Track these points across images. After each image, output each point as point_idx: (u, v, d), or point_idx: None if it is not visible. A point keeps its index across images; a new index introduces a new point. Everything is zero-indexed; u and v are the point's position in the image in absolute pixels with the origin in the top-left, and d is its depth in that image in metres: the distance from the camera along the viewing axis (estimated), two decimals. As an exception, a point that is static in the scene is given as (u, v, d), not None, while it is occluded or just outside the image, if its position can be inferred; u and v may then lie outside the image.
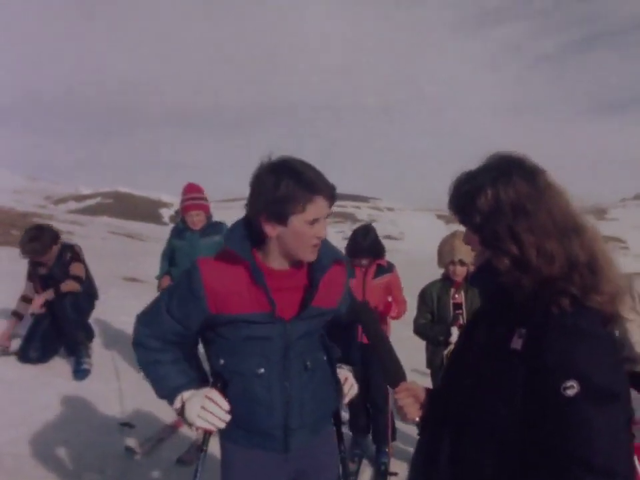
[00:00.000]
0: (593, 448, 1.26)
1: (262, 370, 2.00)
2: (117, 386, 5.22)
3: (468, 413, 1.49)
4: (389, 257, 4.87)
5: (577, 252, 1.41)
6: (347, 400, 2.29)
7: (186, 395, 2.00)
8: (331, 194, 1.92)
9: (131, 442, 4.18)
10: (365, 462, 4.67)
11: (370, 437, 4.81)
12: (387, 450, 4.58)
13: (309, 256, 1.97)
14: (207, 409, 1.94)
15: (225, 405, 1.96)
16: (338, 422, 2.34)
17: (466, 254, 3.85)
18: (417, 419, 1.74)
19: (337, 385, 2.24)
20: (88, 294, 5.63)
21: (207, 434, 2.08)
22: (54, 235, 5.41)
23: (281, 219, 1.88)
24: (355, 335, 2.58)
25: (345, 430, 4.79)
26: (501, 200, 1.44)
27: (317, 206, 1.88)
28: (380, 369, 1.91)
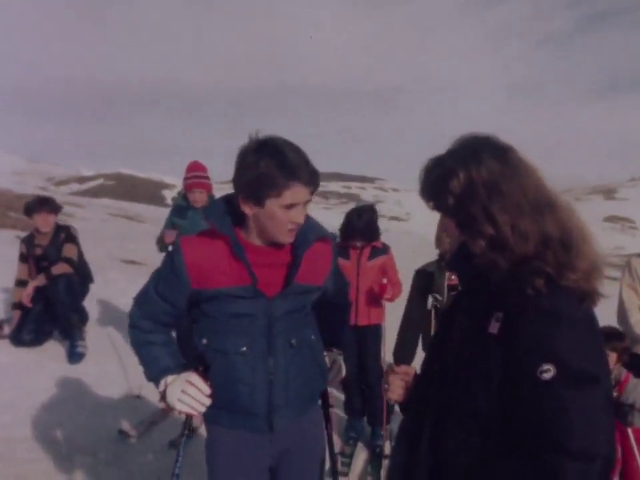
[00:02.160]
0: (570, 432, 1.26)
1: (244, 348, 2.02)
2: (112, 369, 5.25)
3: (448, 396, 1.49)
4: (394, 238, 4.84)
5: (549, 229, 1.41)
6: (333, 384, 2.31)
7: (169, 378, 2.04)
8: (311, 180, 1.91)
9: (125, 425, 4.22)
10: (360, 445, 4.70)
11: (365, 419, 4.84)
12: (382, 433, 4.59)
13: (284, 239, 1.98)
14: (188, 393, 1.97)
15: (206, 389, 1.99)
16: (326, 403, 2.35)
17: None
18: (395, 400, 1.78)
19: (324, 366, 2.25)
20: (82, 276, 5.65)
21: (189, 418, 2.11)
22: (55, 205, 5.54)
23: (258, 200, 1.89)
24: (345, 318, 2.58)
25: (340, 412, 4.83)
26: (473, 180, 1.43)
27: (294, 192, 1.88)
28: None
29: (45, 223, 5.44)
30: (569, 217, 1.46)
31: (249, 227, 2.00)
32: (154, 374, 2.10)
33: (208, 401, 1.99)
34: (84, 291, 5.75)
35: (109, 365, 5.34)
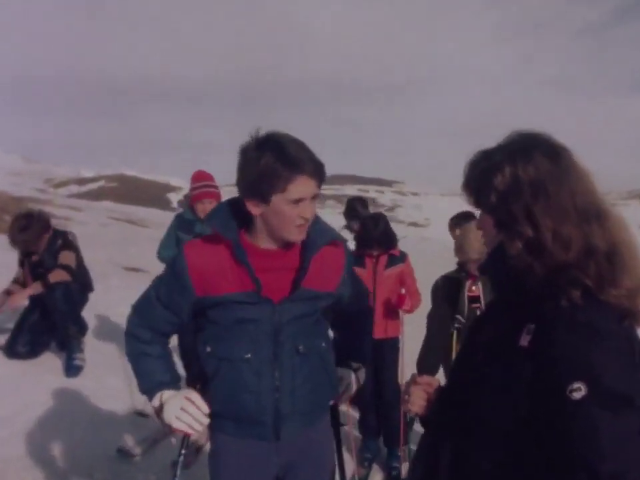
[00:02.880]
0: (602, 455, 1.24)
1: (249, 355, 2.05)
2: (111, 383, 5.26)
3: (473, 412, 1.48)
4: (412, 245, 4.84)
5: (596, 239, 1.39)
6: (341, 402, 2.31)
7: (166, 394, 2.07)
8: (316, 172, 1.93)
9: (125, 443, 4.22)
10: (375, 467, 4.67)
11: (381, 439, 4.81)
12: (399, 454, 4.57)
13: (294, 237, 2.00)
14: (187, 411, 1.99)
15: (205, 408, 2.01)
16: (336, 420, 2.36)
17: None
18: (414, 413, 1.76)
19: (334, 376, 2.26)
20: (81, 284, 5.66)
21: (186, 437, 2.12)
22: (44, 223, 5.45)
23: (263, 197, 1.92)
24: (366, 328, 2.57)
25: (354, 431, 4.80)
26: (519, 178, 1.43)
27: (300, 185, 1.90)
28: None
29: (41, 246, 5.41)
30: (618, 230, 1.44)
31: (256, 229, 2.03)
32: (148, 387, 2.14)
33: (207, 420, 2.03)
34: (83, 299, 5.76)
35: (109, 378, 5.35)
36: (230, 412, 2.09)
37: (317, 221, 2.08)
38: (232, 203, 2.10)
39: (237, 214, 2.05)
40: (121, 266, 11.73)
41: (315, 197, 1.97)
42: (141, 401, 4.79)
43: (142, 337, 2.17)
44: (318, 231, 2.09)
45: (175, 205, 69.60)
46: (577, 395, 1.26)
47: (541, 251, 1.40)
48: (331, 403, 2.32)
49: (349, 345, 2.42)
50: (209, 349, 2.10)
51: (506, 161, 1.45)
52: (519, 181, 1.42)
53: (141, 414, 4.71)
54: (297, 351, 2.09)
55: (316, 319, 2.18)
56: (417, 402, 1.75)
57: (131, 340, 2.20)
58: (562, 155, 1.46)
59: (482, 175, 1.50)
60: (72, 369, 5.39)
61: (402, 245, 4.82)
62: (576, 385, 1.27)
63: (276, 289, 2.05)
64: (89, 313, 6.02)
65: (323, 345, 2.20)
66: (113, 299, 7.45)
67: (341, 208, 5.83)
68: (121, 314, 7.03)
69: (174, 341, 3.67)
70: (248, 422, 2.09)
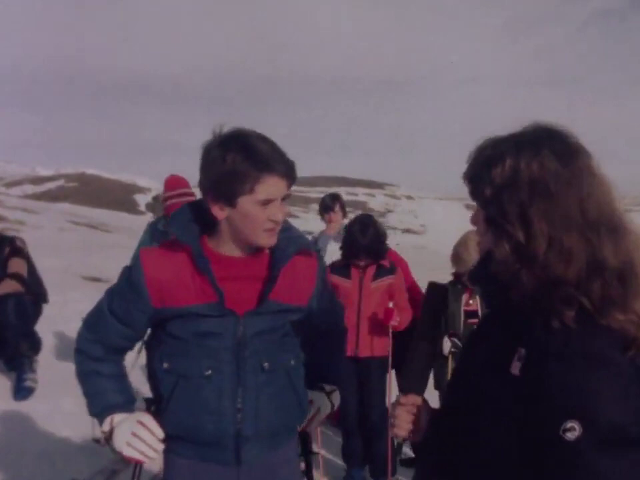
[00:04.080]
0: None
1: (209, 371, 2.05)
2: (66, 407, 5.19)
3: (465, 442, 1.47)
4: (406, 254, 4.86)
5: (605, 254, 1.33)
6: (311, 427, 2.32)
7: (117, 418, 2.07)
8: (286, 172, 1.95)
9: (79, 475, 4.18)
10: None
11: (367, 468, 4.81)
12: (387, 486, 4.57)
13: (264, 241, 2.01)
14: (138, 436, 1.99)
15: (159, 433, 2.01)
16: (306, 447, 2.36)
17: None
18: (401, 437, 1.76)
19: (304, 396, 2.26)
20: (34, 296, 5.61)
21: (138, 465, 2.12)
22: None
23: (228, 199, 1.93)
24: (338, 347, 2.58)
25: (337, 459, 4.80)
26: (519, 173, 1.38)
27: (269, 186, 1.91)
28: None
29: None
30: (637, 248, 1.39)
31: (221, 235, 2.04)
32: (97, 410, 2.14)
33: (161, 446, 2.02)
34: (36, 313, 5.70)
35: (64, 402, 5.25)
36: (187, 434, 2.08)
37: (288, 227, 2.10)
38: (194, 206, 2.10)
39: (199, 218, 2.05)
40: (80, 276, 11.64)
41: (285, 198, 1.99)
42: (97, 428, 4.75)
43: (93, 353, 2.16)
44: (288, 240, 2.10)
45: (142, 208, 69.18)
46: (571, 436, 1.22)
47: (532, 259, 1.35)
48: (300, 428, 2.32)
49: (321, 365, 2.40)
50: (165, 365, 2.09)
51: (510, 152, 1.41)
52: (518, 176, 1.38)
53: (99, 441, 4.64)
54: (262, 368, 2.09)
55: (284, 333, 2.17)
56: (402, 425, 1.74)
57: (80, 357, 2.19)
58: (576, 157, 1.40)
59: (482, 164, 1.47)
60: (22, 391, 5.32)
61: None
62: (569, 424, 1.23)
63: (241, 300, 2.05)
64: (42, 328, 5.92)
65: (292, 362, 2.19)
66: (70, 313, 7.31)
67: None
68: (79, 329, 7.00)
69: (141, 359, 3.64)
70: (207, 445, 2.09)
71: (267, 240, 2.02)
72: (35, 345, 5.67)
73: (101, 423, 2.11)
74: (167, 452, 2.15)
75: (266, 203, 1.92)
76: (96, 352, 2.16)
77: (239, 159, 1.88)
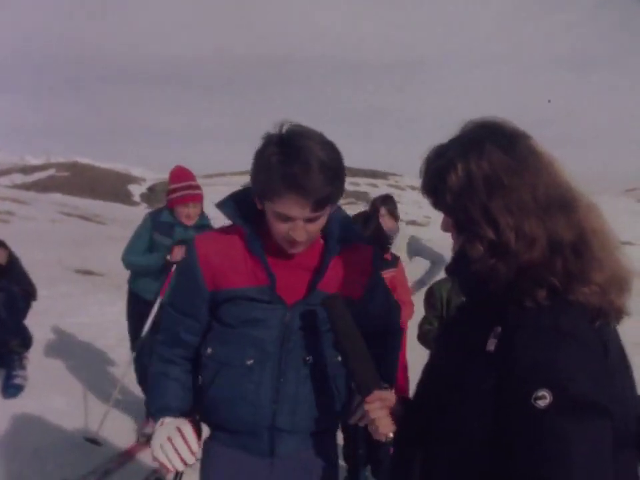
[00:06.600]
0: (567, 470, 1.27)
1: (251, 361, 2.08)
2: (57, 405, 5.23)
3: (442, 423, 1.53)
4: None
5: (561, 232, 1.43)
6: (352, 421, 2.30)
7: (166, 420, 2.12)
8: (312, 199, 1.88)
9: (71, 475, 4.19)
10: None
11: (369, 468, 4.81)
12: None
13: (286, 247, 2.03)
14: (172, 443, 2.03)
15: (195, 446, 2.05)
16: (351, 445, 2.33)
17: None
18: (391, 435, 1.76)
19: (344, 394, 2.23)
20: (23, 290, 5.63)
21: (175, 474, 2.16)
22: None
23: (259, 197, 1.98)
24: (392, 347, 2.49)
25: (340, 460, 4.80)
26: (472, 174, 1.47)
27: (286, 205, 1.89)
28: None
29: None
30: (587, 218, 1.47)
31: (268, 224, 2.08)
32: (153, 410, 2.22)
33: (191, 460, 2.05)
34: (25, 307, 5.71)
35: (55, 399, 5.32)
36: (225, 422, 2.15)
37: (340, 215, 2.14)
38: (242, 193, 2.15)
39: (251, 205, 2.07)
40: (72, 269, 11.66)
41: (311, 220, 1.94)
42: (93, 425, 4.77)
43: (163, 355, 2.25)
44: (338, 228, 2.13)
45: (137, 198, 69.02)
46: (542, 403, 1.30)
47: (505, 251, 1.43)
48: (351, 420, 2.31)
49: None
50: (209, 351, 2.15)
51: (458, 157, 1.49)
52: (472, 178, 1.46)
53: (92, 441, 4.66)
54: (304, 361, 2.12)
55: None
56: (383, 422, 1.77)
57: (153, 359, 2.30)
58: (518, 144, 1.49)
59: (436, 175, 1.55)
60: (11, 389, 5.35)
61: (397, 247, 4.83)
62: (540, 393, 1.30)
63: (290, 289, 2.09)
64: (32, 322, 5.92)
65: (338, 358, 2.17)
66: (62, 307, 7.42)
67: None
68: (71, 324, 7.01)
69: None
70: (243, 434, 2.14)
71: (289, 249, 2.03)
72: (25, 341, 5.71)
73: (155, 424, 2.16)
74: (207, 438, 2.22)
75: (284, 218, 1.92)
76: (165, 353, 2.24)
77: (276, 166, 1.86)
